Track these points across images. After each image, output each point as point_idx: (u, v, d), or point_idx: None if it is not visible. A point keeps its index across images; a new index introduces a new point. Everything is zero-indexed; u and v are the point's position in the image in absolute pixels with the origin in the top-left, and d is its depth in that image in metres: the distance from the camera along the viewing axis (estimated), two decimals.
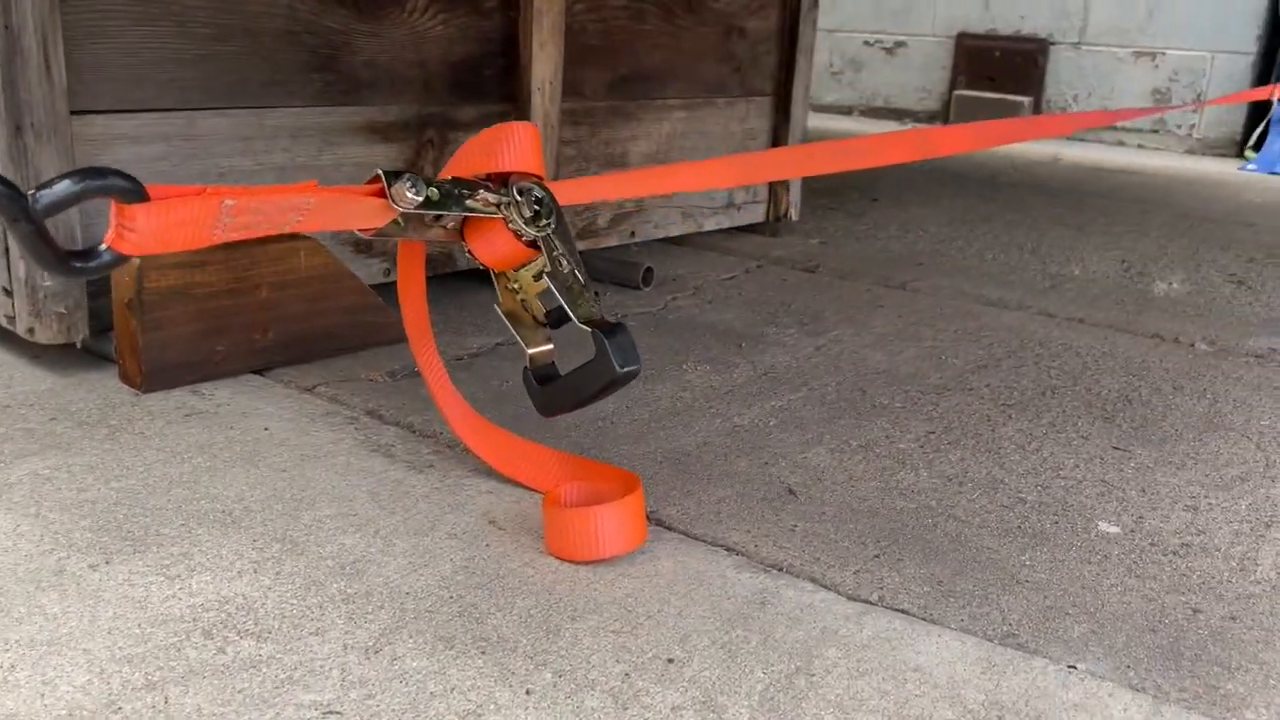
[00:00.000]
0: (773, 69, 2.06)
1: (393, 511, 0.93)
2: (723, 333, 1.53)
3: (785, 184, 2.13)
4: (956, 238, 2.21)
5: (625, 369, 0.88)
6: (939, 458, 1.12)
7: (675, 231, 1.96)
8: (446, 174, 0.89)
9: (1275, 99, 3.20)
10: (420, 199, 0.81)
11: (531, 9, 1.55)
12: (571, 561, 0.86)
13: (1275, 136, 3.72)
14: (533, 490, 0.98)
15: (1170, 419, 1.26)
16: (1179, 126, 4.18)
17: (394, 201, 0.80)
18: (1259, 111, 3.94)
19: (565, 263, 0.89)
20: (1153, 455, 1.15)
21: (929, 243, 2.16)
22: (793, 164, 1.62)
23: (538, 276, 0.91)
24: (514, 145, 0.88)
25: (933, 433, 1.19)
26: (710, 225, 2.04)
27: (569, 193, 1.15)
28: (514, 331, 0.94)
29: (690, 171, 1.31)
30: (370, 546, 0.87)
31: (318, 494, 0.96)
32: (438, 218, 0.88)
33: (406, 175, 0.81)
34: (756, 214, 2.14)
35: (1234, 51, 4.02)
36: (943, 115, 4.73)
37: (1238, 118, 4.07)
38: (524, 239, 0.89)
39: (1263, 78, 3.96)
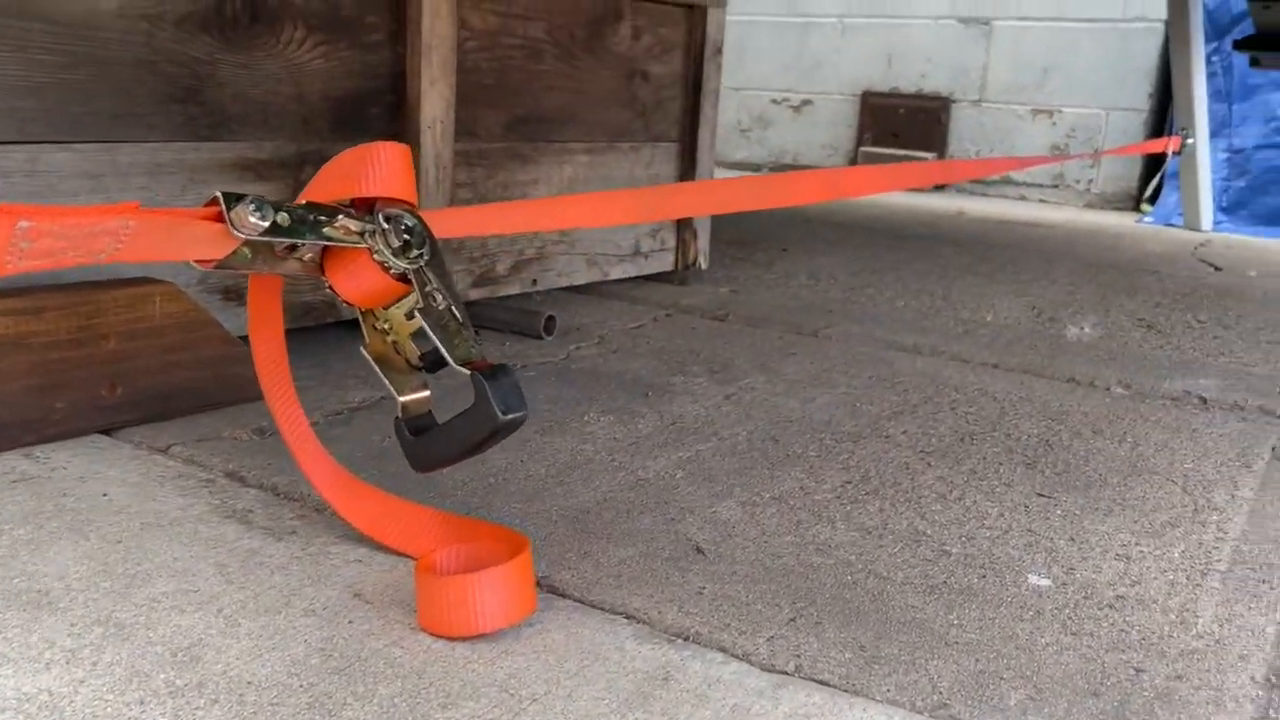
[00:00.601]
0: (678, 114, 2.01)
1: (242, 586, 0.81)
2: (629, 382, 1.44)
3: (694, 232, 2.07)
4: (867, 286, 2.17)
5: (509, 416, 0.78)
6: (857, 509, 1.04)
7: (580, 280, 1.88)
8: (304, 199, 0.79)
9: (1170, 152, 3.29)
10: (265, 224, 0.71)
11: (420, 44, 1.47)
12: (447, 638, 0.75)
13: (1170, 190, 3.83)
14: (408, 556, 0.87)
15: (1093, 464, 1.20)
16: (1078, 182, 4.28)
17: (234, 227, 0.70)
18: (1153, 166, 4.06)
19: (440, 298, 0.79)
20: (1079, 502, 1.09)
21: (840, 290, 2.12)
22: (701, 200, 1.55)
23: (410, 315, 0.81)
24: (381, 168, 0.79)
25: (850, 482, 1.11)
26: (616, 273, 1.96)
27: (451, 224, 1.06)
28: (383, 378, 0.83)
29: (589, 204, 1.23)
30: (210, 628, 0.74)
31: (155, 568, 0.83)
32: (292, 248, 0.77)
33: (250, 198, 0.71)
34: (665, 262, 2.07)
35: (1128, 109, 4.15)
36: None
37: (1133, 172, 4.19)
38: (392, 272, 0.79)
39: (1155, 134, 4.09)
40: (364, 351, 0.83)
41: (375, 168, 0.79)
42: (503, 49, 1.64)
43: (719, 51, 2.03)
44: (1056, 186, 4.31)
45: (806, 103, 4.90)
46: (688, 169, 2.04)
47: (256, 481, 1.02)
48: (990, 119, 4.43)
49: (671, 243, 2.07)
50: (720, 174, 4.90)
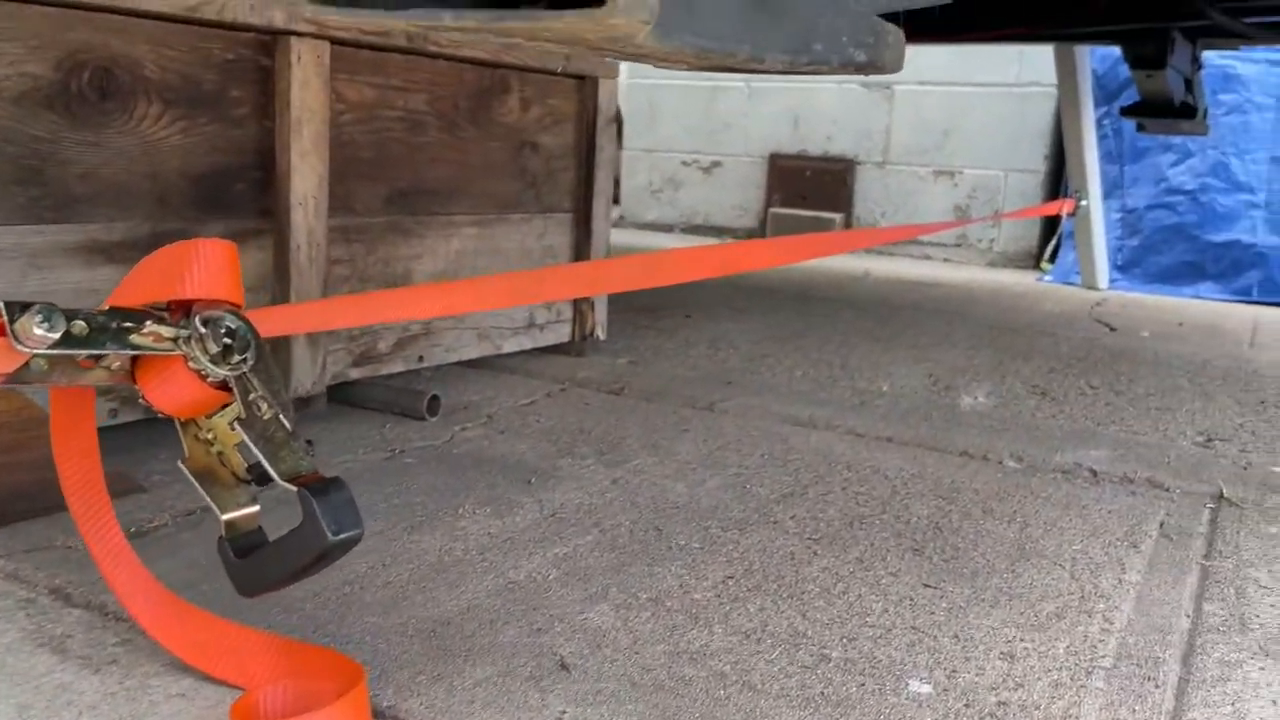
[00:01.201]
0: (571, 185, 1.98)
1: None
2: (512, 467, 1.38)
3: (590, 302, 2.03)
4: (767, 355, 2.15)
5: (340, 536, 0.71)
6: (736, 609, 0.99)
7: (470, 354, 1.82)
8: (112, 301, 0.72)
9: (1063, 214, 3.38)
10: (55, 336, 0.64)
11: (290, 118, 1.41)
12: None
13: (1068, 249, 3.93)
14: (237, 688, 0.79)
15: (982, 548, 1.18)
16: (980, 241, 4.38)
17: (17, 341, 0.63)
18: (1052, 226, 4.16)
19: (265, 407, 0.73)
20: (965, 592, 1.05)
21: (740, 360, 2.09)
22: (585, 282, 1.51)
23: (234, 424, 0.75)
24: (200, 266, 0.73)
25: (732, 577, 1.06)
26: (510, 347, 1.91)
27: (292, 320, 1.00)
28: (204, 493, 0.76)
29: (461, 292, 1.17)
30: None
31: None
32: (97, 357, 0.70)
33: (38, 307, 0.64)
34: (561, 334, 2.02)
35: (1025, 170, 4.27)
36: (760, 232, 4.82)
37: (1033, 232, 4.29)
38: (210, 380, 0.72)
39: (1052, 194, 4.21)
40: (182, 466, 0.76)
41: (194, 267, 0.72)
42: (381, 121, 1.59)
43: (612, 121, 2.01)
44: (960, 245, 4.40)
45: (716, 164, 4.94)
46: (583, 239, 2.01)
47: (83, 599, 0.93)
48: (894, 180, 4.51)
49: (568, 314, 2.02)
50: (632, 234, 4.91)
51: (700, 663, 0.88)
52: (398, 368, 1.68)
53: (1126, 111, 2.86)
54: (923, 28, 2.73)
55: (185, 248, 0.73)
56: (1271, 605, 1.06)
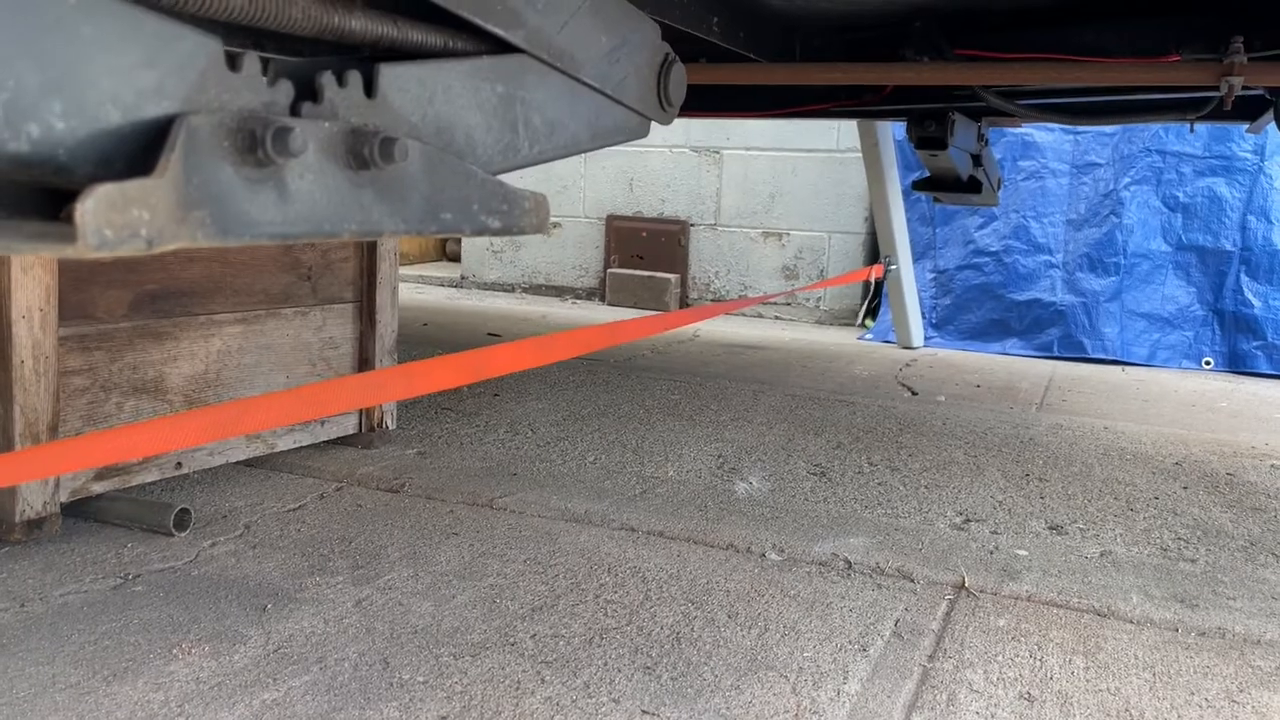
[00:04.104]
0: (352, 275, 1.94)
1: None
2: (252, 590, 1.32)
3: None
4: (564, 438, 2.14)
5: None
6: None
7: (238, 457, 1.75)
8: None
9: (872, 278, 3.50)
10: None
11: None
12: None
13: (887, 308, 4.08)
14: None
15: (714, 661, 1.18)
16: (808, 300, 4.50)
17: None
18: (873, 284, 4.31)
19: None
20: (681, 718, 1.05)
21: (534, 445, 2.08)
22: (366, 392, 1.48)
23: None
24: None
25: (446, 717, 1.03)
26: (286, 444, 1.84)
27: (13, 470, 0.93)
28: None
29: (205, 419, 1.12)
30: None
31: None
32: None
33: None
34: (346, 426, 1.97)
35: (847, 232, 4.42)
36: (599, 291, 4.85)
37: (856, 290, 4.44)
38: None
39: (873, 254, 4.37)
40: None
41: None
42: None
43: None
44: (790, 304, 4.52)
45: (555, 225, 4.96)
46: (366, 329, 1.96)
47: None
48: (726, 241, 4.62)
49: None
50: (475, 295, 4.87)
51: None
52: (152, 477, 1.60)
53: (918, 186, 3.00)
54: (738, 104, 2.81)
55: None
56: (976, 713, 1.10)
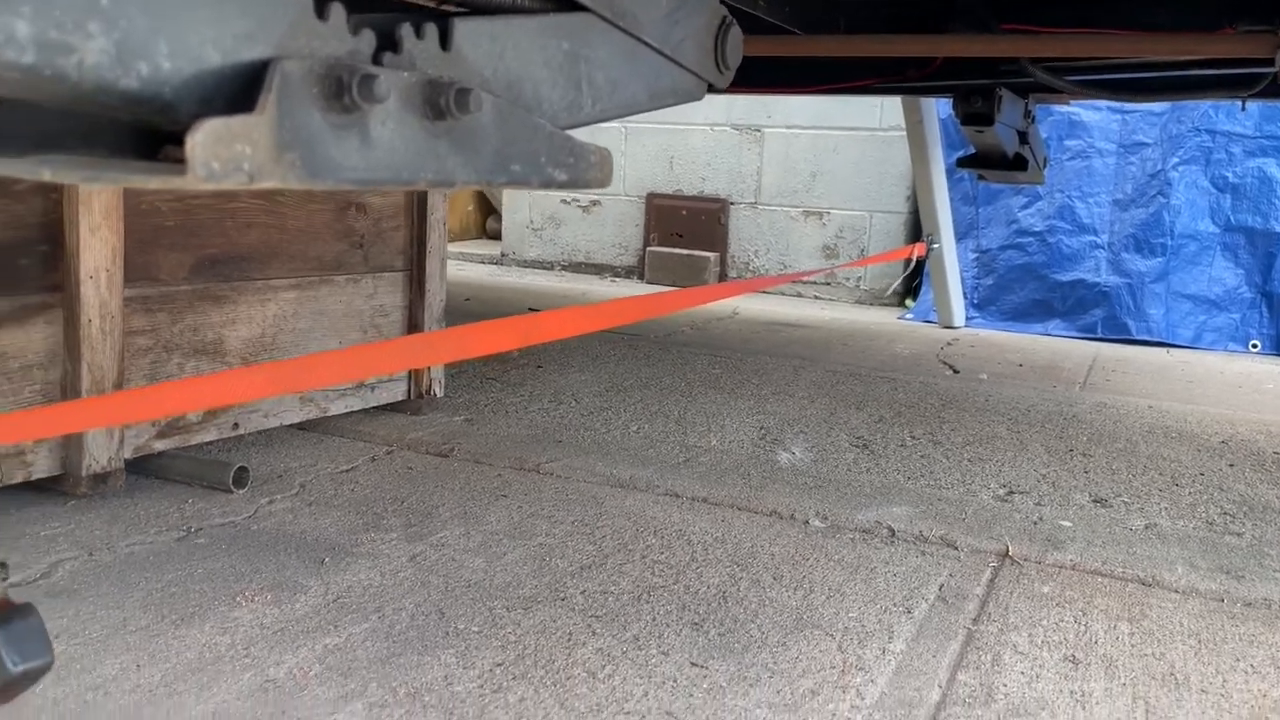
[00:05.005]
0: (403, 244, 1.97)
1: None
2: (310, 544, 1.36)
3: None
4: (607, 408, 2.17)
5: (23, 668, 0.70)
6: (496, 700, 0.99)
7: (292, 419, 1.79)
8: None
9: (914, 257, 3.49)
10: None
11: (77, 191, 1.38)
12: None
13: (928, 287, 4.06)
14: None
15: (760, 619, 1.20)
16: (848, 280, 4.49)
17: None
18: (915, 263, 4.30)
19: None
20: (730, 670, 1.07)
21: (578, 415, 2.10)
22: (417, 353, 1.51)
23: None
24: None
25: (501, 664, 1.06)
26: (338, 409, 1.88)
27: (88, 417, 0.97)
28: None
29: (287, 370, 1.15)
30: None
31: None
32: None
33: None
34: (396, 392, 2.01)
35: (889, 211, 4.40)
36: (639, 270, 4.86)
37: (897, 270, 4.42)
38: None
39: (915, 233, 4.35)
40: None
41: None
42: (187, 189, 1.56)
43: None
44: (829, 284, 4.51)
45: (595, 203, 4.98)
46: (416, 298, 2.00)
47: None
48: (766, 219, 4.61)
49: (402, 373, 2.01)
50: (514, 273, 4.91)
51: None
52: (210, 437, 1.64)
53: (962, 163, 2.98)
54: (781, 80, 2.81)
55: None
56: (1022, 673, 1.11)
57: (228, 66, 0.54)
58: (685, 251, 4.71)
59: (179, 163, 0.52)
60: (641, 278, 4.83)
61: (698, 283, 4.64)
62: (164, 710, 0.94)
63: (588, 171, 0.77)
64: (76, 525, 1.38)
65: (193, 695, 0.97)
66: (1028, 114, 2.91)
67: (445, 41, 0.70)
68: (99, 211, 1.40)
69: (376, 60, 0.65)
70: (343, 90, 0.60)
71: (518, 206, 5.20)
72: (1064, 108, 3.93)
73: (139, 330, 1.51)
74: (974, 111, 2.61)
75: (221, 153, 0.50)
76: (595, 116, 0.86)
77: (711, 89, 1.05)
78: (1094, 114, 3.95)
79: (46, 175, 0.51)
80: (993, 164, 2.89)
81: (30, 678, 0.70)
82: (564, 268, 5.09)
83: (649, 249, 4.81)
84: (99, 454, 1.45)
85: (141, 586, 1.20)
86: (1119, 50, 2.17)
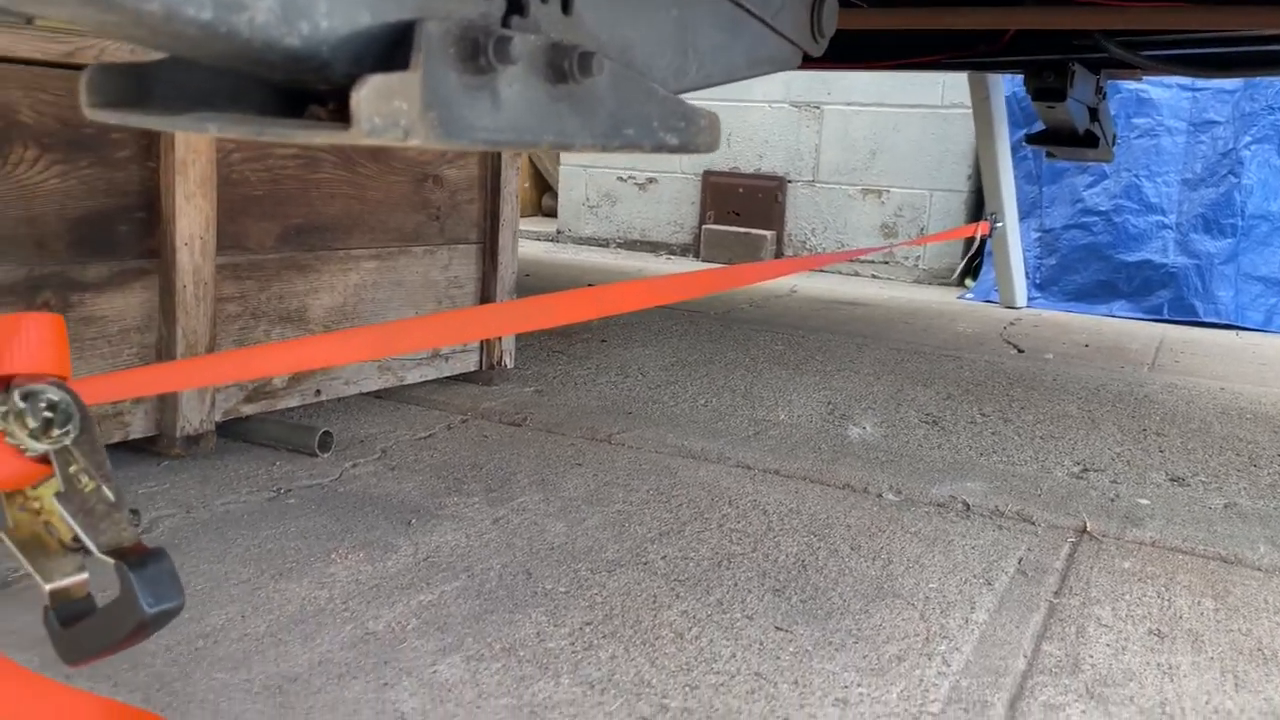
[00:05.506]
0: (477, 217, 2.00)
1: None
2: (396, 506, 1.40)
3: None
4: (674, 382, 2.18)
5: (157, 609, 0.73)
6: (588, 657, 1.01)
7: (371, 387, 1.83)
8: None
9: (978, 235, 3.46)
10: None
11: (174, 159, 1.42)
12: None
13: (989, 267, 4.02)
14: None
15: (841, 587, 1.21)
16: (906, 258, 4.46)
17: None
18: (974, 241, 4.25)
19: (85, 480, 0.74)
20: (814, 635, 1.09)
21: (646, 388, 2.12)
22: (493, 323, 1.53)
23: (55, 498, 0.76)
24: (22, 342, 0.74)
25: (590, 623, 1.09)
26: (414, 378, 1.92)
27: (183, 377, 1.01)
28: (26, 563, 0.77)
29: (328, 345, 1.18)
30: None
31: None
32: None
33: None
34: (468, 363, 2.04)
35: (949, 190, 4.35)
36: (694, 248, 4.86)
37: (957, 249, 4.38)
38: (29, 454, 0.73)
39: (975, 213, 4.30)
40: (3, 536, 0.77)
41: (15, 343, 0.74)
42: (275, 159, 1.60)
43: (518, 155, 2.03)
44: (887, 263, 4.48)
45: (651, 180, 4.98)
46: (489, 270, 2.02)
47: None
48: (824, 198, 4.58)
49: (475, 344, 2.04)
50: (569, 250, 4.93)
51: (540, 717, 0.90)
52: (294, 402, 1.69)
53: (1031, 139, 2.94)
54: (845, 55, 2.78)
55: (6, 322, 0.74)
56: (1107, 645, 1.11)
57: (376, 26, 0.56)
58: (742, 230, 4.70)
59: (337, 120, 0.54)
60: (697, 256, 4.83)
61: (754, 261, 4.63)
62: (272, 658, 0.97)
63: (698, 136, 0.78)
64: (172, 484, 1.43)
65: (298, 644, 1.00)
66: (1099, 90, 2.86)
67: (567, 6, 0.72)
68: (194, 180, 1.44)
69: (505, 23, 0.66)
70: (478, 51, 0.61)
71: (573, 184, 5.21)
72: (1132, 85, 3.86)
73: (229, 297, 1.55)
74: (1046, 86, 2.58)
75: (383, 108, 0.52)
76: (698, 83, 0.87)
77: (806, 58, 1.05)
78: (1163, 91, 3.87)
79: (212, 131, 0.54)
80: (1062, 141, 2.86)
81: (164, 618, 0.73)
82: (619, 245, 5.11)
83: (705, 227, 4.80)
84: (191, 416, 1.50)
85: (239, 543, 1.25)
86: (1199, 23, 2.13)
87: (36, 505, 0.78)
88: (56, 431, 0.73)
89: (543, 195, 6.11)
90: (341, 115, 0.59)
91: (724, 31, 0.90)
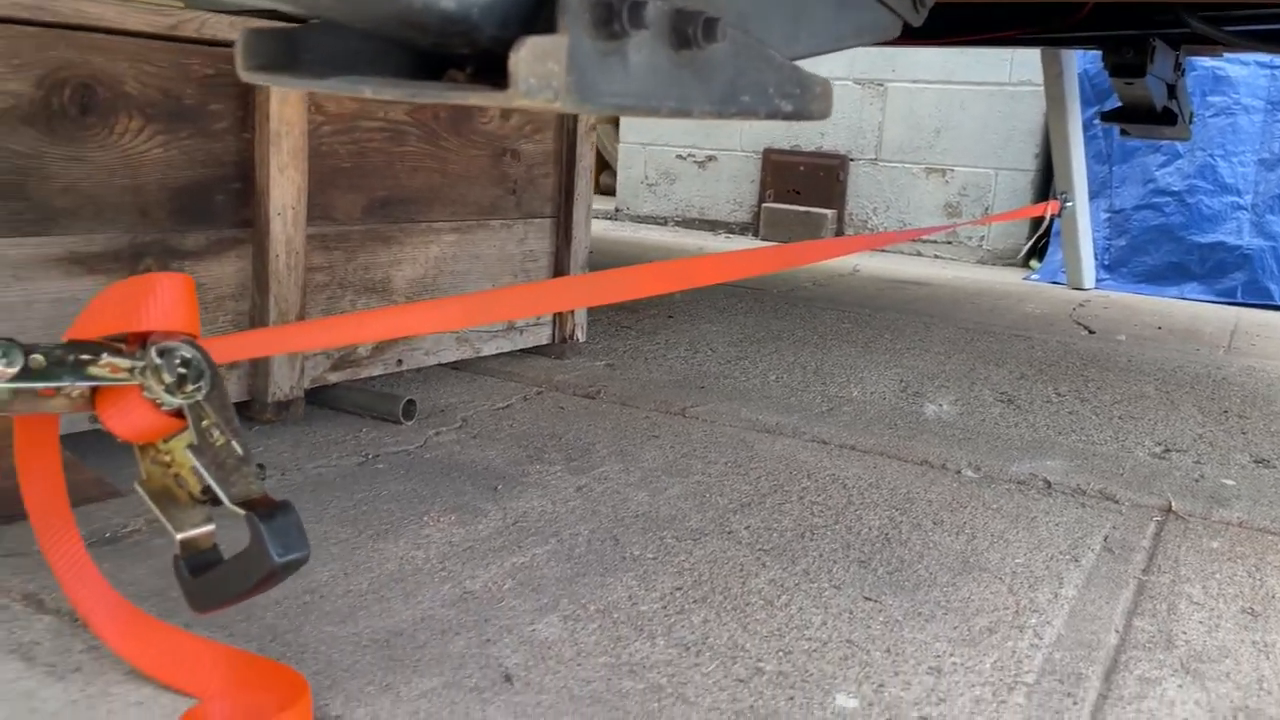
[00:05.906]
0: (551, 191, 2.01)
1: None
2: (481, 473, 1.42)
3: None
4: (743, 358, 2.19)
5: (286, 558, 0.76)
6: (681, 621, 1.03)
7: (449, 358, 1.86)
8: (72, 333, 0.76)
9: (1047, 215, 3.41)
10: (14, 370, 0.68)
11: (269, 131, 1.45)
12: None
13: (1056, 248, 3.96)
14: (193, 696, 0.83)
15: (927, 560, 1.22)
16: (970, 239, 4.40)
17: None
18: (1040, 223, 4.19)
19: (217, 434, 0.77)
20: (904, 606, 1.09)
21: (716, 363, 2.13)
22: (568, 296, 1.55)
23: (188, 450, 0.79)
24: (157, 301, 0.77)
25: (680, 588, 1.10)
26: (490, 350, 1.95)
27: (244, 347, 1.04)
28: (160, 514, 0.80)
29: (421, 313, 1.21)
30: None
31: None
32: (56, 388, 0.74)
33: None
34: (541, 336, 2.06)
35: (1016, 169, 4.29)
36: (753, 227, 4.85)
37: (1022, 230, 4.32)
38: (165, 408, 0.77)
39: (1042, 193, 4.23)
40: (138, 487, 0.80)
41: (150, 301, 0.77)
42: (361, 132, 1.63)
43: (592, 129, 2.04)
44: (950, 243, 4.43)
45: (711, 159, 4.97)
46: (563, 244, 2.04)
47: (54, 605, 0.97)
48: (886, 177, 4.54)
49: (548, 317, 2.06)
50: (628, 228, 4.94)
51: (639, 675, 0.92)
52: (377, 371, 1.72)
53: (1107, 117, 2.89)
54: (916, 31, 2.75)
55: (142, 282, 0.78)
56: (1200, 622, 1.10)
57: None
58: (802, 208, 4.67)
59: (477, 83, 0.55)
60: (756, 234, 4.82)
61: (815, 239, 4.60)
62: (376, 613, 1.00)
63: (812, 103, 0.79)
64: (265, 448, 1.47)
65: (399, 601, 1.03)
66: (1178, 66, 2.80)
67: None
68: (287, 151, 1.47)
69: None
70: (612, 17, 0.62)
71: (632, 162, 5.22)
72: (1209, 62, 3.77)
73: (317, 267, 1.59)
74: (1124, 63, 2.53)
75: (538, 70, 0.53)
76: (809, 50, 0.87)
77: (906, 28, 1.05)
78: (1241, 69, 3.77)
79: (367, 93, 0.55)
80: (1139, 118, 2.80)
81: (291, 567, 0.76)
82: (677, 223, 5.11)
83: (764, 205, 4.78)
84: (282, 382, 1.53)
85: (334, 505, 1.28)
86: None
87: (167, 458, 0.81)
88: (190, 387, 0.76)
89: (600, 173, 6.12)
90: (479, 79, 0.60)
91: (834, 1, 0.90)
